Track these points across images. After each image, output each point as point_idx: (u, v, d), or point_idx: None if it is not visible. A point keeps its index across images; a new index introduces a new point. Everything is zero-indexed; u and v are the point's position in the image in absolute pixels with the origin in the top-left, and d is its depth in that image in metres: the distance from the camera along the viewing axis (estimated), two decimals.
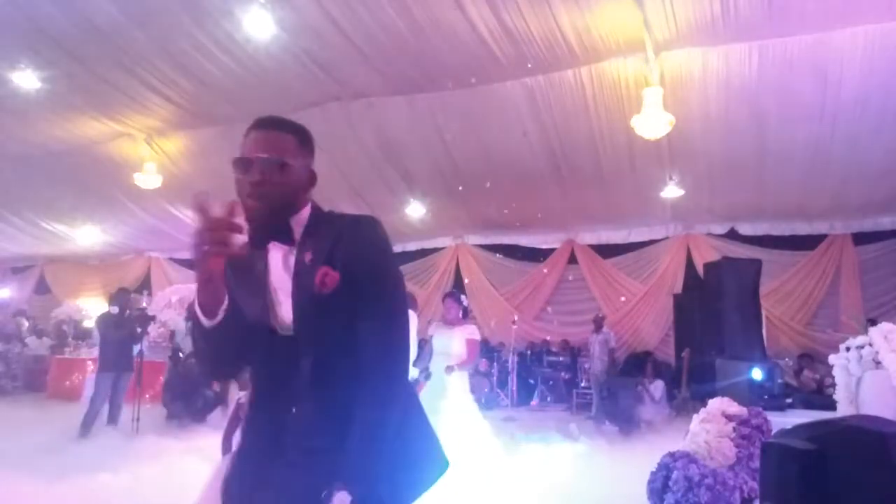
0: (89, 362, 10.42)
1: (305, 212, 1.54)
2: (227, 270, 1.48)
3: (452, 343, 5.47)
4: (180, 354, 9.60)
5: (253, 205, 1.43)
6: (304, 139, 1.56)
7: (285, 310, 1.45)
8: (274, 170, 1.45)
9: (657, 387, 8.66)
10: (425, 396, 5.41)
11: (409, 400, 1.53)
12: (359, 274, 1.43)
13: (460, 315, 5.65)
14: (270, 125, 1.52)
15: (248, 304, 1.47)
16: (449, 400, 5.28)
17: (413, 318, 5.61)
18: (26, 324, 14.72)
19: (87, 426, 7.11)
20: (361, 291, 1.43)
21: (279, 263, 1.48)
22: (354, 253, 1.45)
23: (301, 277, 1.44)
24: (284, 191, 1.47)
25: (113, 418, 7.38)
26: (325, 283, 1.40)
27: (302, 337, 1.43)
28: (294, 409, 1.42)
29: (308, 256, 1.45)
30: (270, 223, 1.46)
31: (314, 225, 1.52)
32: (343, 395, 1.40)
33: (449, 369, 5.32)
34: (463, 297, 5.90)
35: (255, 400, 1.51)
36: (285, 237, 1.48)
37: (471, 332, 5.58)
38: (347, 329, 1.43)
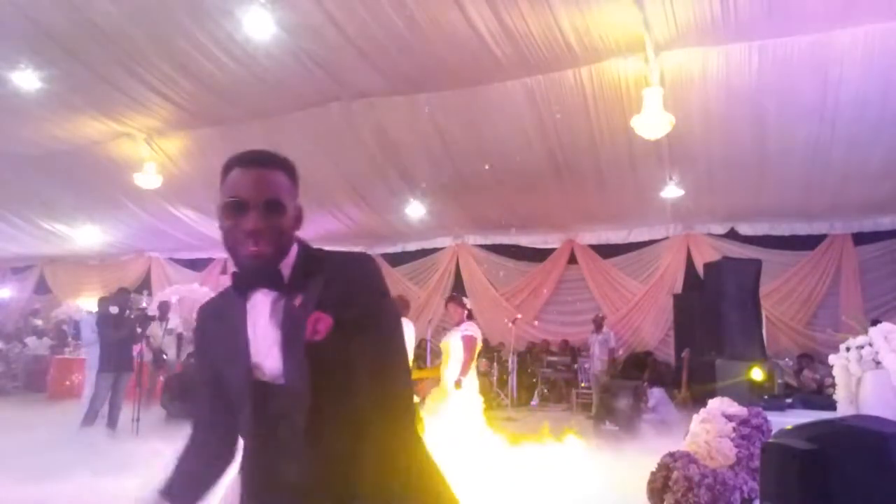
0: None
1: (293, 253, 1.41)
2: (206, 324, 1.48)
3: (451, 341, 5.51)
4: (164, 356, 9.61)
5: (251, 253, 1.32)
6: (294, 174, 1.44)
7: (272, 361, 1.32)
8: (272, 213, 1.34)
9: (653, 395, 8.61)
10: (434, 398, 5.49)
11: (418, 445, 1.42)
12: (352, 318, 1.32)
13: (465, 316, 5.68)
14: (262, 162, 1.39)
15: (230, 360, 1.37)
16: (459, 403, 5.34)
17: (409, 325, 5.65)
18: (40, 323, 14.77)
19: (86, 426, 7.10)
20: (356, 336, 1.32)
21: (266, 311, 1.36)
22: (346, 295, 1.35)
23: (290, 325, 1.32)
24: (283, 234, 1.37)
25: (112, 419, 7.36)
26: (316, 329, 1.29)
27: (294, 388, 1.29)
28: (291, 466, 1.30)
29: (298, 301, 1.34)
30: (265, 270, 1.36)
31: (303, 266, 1.40)
32: (343, 447, 1.30)
33: (458, 383, 5.37)
34: (465, 299, 5.92)
35: (246, 455, 1.39)
36: (275, 283, 1.36)
37: (465, 328, 5.59)
38: (344, 377, 1.31)
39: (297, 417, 1.28)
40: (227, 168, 1.40)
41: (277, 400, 1.31)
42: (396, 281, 13.10)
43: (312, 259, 1.42)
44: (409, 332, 5.67)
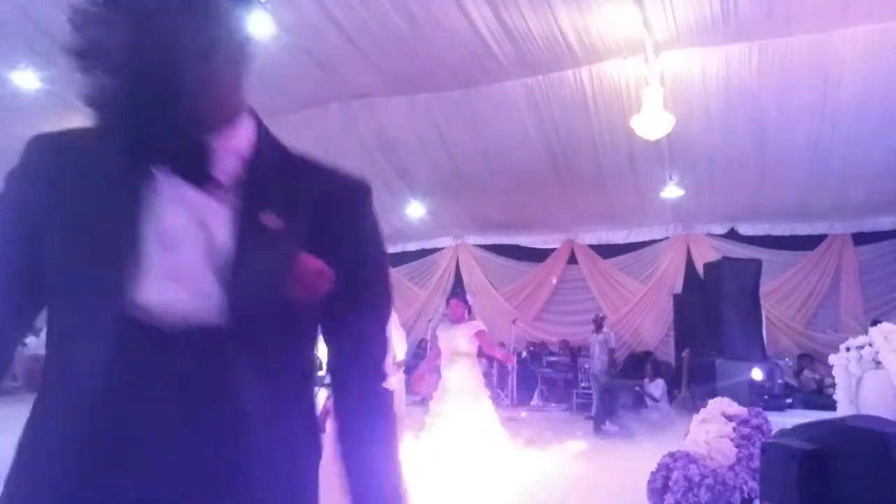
0: None
1: (245, 128, 0.85)
2: (44, 167, 0.89)
3: (457, 339, 5.55)
4: None
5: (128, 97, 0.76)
6: None
7: (179, 290, 0.78)
8: (185, 23, 0.74)
9: (657, 386, 8.67)
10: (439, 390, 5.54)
11: None
12: (358, 282, 0.90)
13: (466, 314, 5.75)
14: None
15: (92, 268, 0.79)
16: (465, 395, 5.38)
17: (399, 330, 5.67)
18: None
19: None
20: (351, 306, 0.90)
21: (184, 208, 0.80)
22: (357, 247, 0.92)
23: (255, 252, 0.80)
24: (204, 74, 0.76)
25: None
26: (313, 284, 0.83)
27: (237, 341, 0.78)
28: (213, 453, 0.78)
29: (272, 221, 0.82)
30: (170, 136, 0.75)
31: (271, 163, 0.86)
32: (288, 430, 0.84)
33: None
34: (468, 296, 6.00)
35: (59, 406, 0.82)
36: (200, 169, 0.79)
37: (475, 325, 5.69)
38: (299, 339, 0.88)
39: (235, 382, 0.78)
40: None
41: (187, 351, 0.77)
42: (396, 281, 13.10)
43: (282, 154, 0.90)
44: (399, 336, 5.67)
